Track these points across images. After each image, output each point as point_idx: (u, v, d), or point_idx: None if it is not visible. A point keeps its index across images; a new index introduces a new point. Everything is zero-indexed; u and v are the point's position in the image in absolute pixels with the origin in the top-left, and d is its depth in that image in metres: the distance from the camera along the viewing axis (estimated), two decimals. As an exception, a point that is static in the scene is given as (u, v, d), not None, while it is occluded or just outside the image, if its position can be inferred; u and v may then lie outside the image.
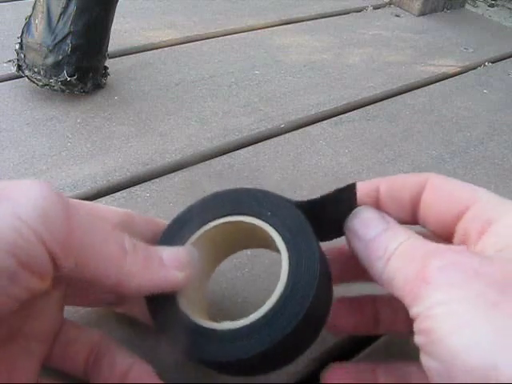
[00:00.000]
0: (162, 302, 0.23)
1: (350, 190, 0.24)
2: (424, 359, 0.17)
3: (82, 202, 0.25)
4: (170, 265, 0.22)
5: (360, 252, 0.22)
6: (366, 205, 0.23)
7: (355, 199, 0.24)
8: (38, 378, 0.21)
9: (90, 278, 0.20)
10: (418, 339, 0.18)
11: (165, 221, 0.26)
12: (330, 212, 0.24)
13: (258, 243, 0.26)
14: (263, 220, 0.24)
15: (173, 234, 0.24)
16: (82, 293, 0.25)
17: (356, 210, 0.23)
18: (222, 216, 0.24)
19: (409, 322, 0.23)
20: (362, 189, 0.24)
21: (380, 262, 0.20)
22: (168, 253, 0.22)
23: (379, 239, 0.21)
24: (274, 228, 0.23)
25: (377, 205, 0.24)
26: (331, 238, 0.25)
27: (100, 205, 0.26)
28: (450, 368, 0.16)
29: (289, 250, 0.23)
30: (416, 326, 0.18)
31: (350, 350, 0.28)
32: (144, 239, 0.23)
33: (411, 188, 0.23)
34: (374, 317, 0.25)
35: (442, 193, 0.22)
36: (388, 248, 0.20)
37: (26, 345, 0.21)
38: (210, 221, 0.24)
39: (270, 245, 0.24)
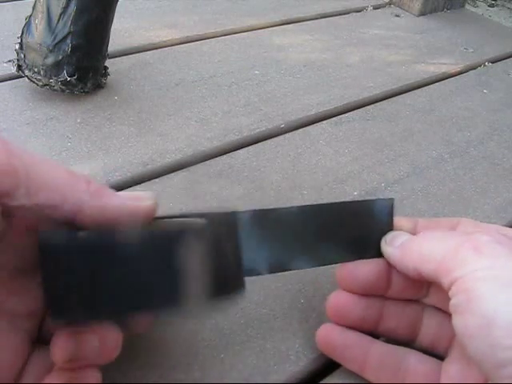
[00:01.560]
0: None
1: (389, 203, 0.25)
2: (460, 319, 0.19)
3: None
4: (125, 196, 0.21)
5: (390, 253, 0.24)
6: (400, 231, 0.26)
7: (392, 216, 0.25)
8: (29, 355, 0.21)
9: (46, 206, 0.19)
10: (456, 299, 0.19)
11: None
12: (363, 222, 0.25)
13: None
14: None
15: None
16: None
17: (393, 232, 0.25)
18: None
19: (411, 329, 0.25)
20: (402, 221, 0.26)
21: (416, 245, 0.23)
22: (124, 193, 0.22)
23: (412, 237, 0.24)
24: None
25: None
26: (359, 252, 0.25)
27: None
28: (491, 322, 0.18)
29: None
30: (457, 288, 0.19)
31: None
32: None
33: (445, 227, 0.25)
34: (378, 317, 0.25)
35: None
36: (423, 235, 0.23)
37: (10, 322, 0.21)
38: None
39: None
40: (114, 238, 0.19)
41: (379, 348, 0.25)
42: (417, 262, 0.22)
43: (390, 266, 0.25)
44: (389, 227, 0.25)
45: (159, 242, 0.19)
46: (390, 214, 0.25)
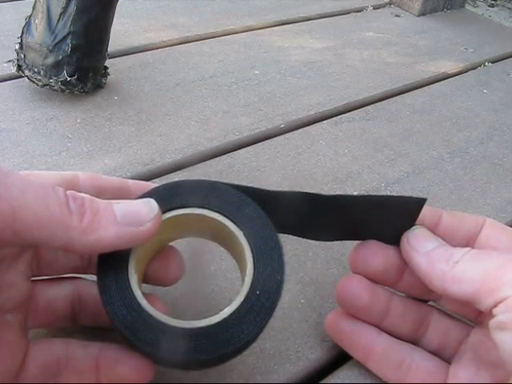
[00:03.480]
0: (111, 266, 0.22)
1: (419, 203, 0.24)
2: (507, 336, 0.19)
3: (15, 171, 0.23)
4: (124, 220, 0.20)
5: (416, 262, 0.23)
6: (422, 226, 0.25)
7: (418, 214, 0.25)
8: (26, 348, 0.22)
9: (34, 243, 0.19)
10: (506, 317, 0.20)
11: (113, 177, 0.24)
12: (391, 217, 0.25)
13: (221, 241, 0.26)
14: (229, 219, 0.24)
15: None
16: (46, 262, 0.24)
17: (414, 228, 0.25)
18: (187, 206, 0.24)
19: (415, 329, 0.26)
20: (426, 212, 0.25)
21: (446, 265, 0.22)
22: (122, 207, 0.21)
23: (440, 249, 0.23)
24: (237, 225, 0.23)
25: (435, 230, 0.25)
26: (382, 241, 0.25)
27: (41, 172, 0.24)
28: None
29: (253, 252, 0.23)
30: (506, 306, 0.20)
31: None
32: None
33: (469, 225, 0.25)
34: (385, 311, 0.25)
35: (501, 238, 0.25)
36: (454, 254, 0.22)
37: (1, 318, 0.21)
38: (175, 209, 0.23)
39: (231, 242, 0.24)
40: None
41: (385, 340, 0.25)
42: (447, 282, 0.22)
43: (403, 261, 0.25)
44: (412, 222, 0.25)
45: None
46: (418, 213, 0.25)
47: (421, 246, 0.24)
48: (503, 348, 0.19)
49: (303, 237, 0.26)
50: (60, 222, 0.19)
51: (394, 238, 0.25)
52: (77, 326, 0.25)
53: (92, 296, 0.24)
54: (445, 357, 0.25)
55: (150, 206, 0.22)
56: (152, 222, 0.21)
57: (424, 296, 0.26)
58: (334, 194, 0.25)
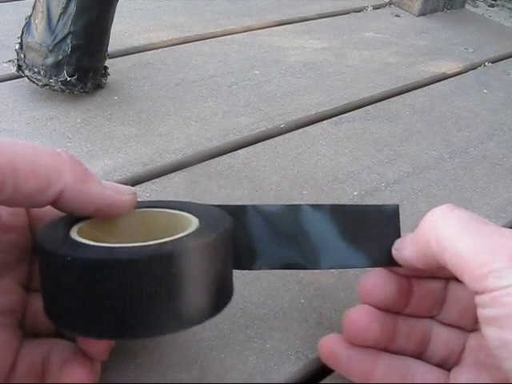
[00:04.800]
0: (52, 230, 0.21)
1: (394, 210, 0.24)
2: (497, 332, 0.19)
3: None
4: (107, 187, 0.22)
5: (407, 254, 0.23)
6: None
7: (398, 221, 0.25)
8: (19, 350, 0.22)
9: (30, 193, 0.19)
10: (494, 312, 0.19)
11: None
12: (371, 227, 0.25)
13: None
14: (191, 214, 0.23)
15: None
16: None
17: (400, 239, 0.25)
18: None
19: (420, 344, 0.25)
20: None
21: (430, 226, 0.22)
22: (102, 180, 0.22)
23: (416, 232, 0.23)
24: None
25: None
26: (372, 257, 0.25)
27: None
28: None
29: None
30: (492, 299, 0.19)
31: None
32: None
33: None
34: (392, 335, 0.25)
35: None
36: (436, 212, 0.23)
37: None
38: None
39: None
40: (113, 253, 0.19)
41: (385, 361, 0.24)
42: (435, 248, 0.21)
43: (410, 284, 0.25)
44: (396, 233, 0.25)
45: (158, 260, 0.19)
46: (397, 220, 0.25)
47: (404, 240, 0.24)
48: (493, 344, 0.19)
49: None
50: (55, 166, 0.19)
51: (382, 252, 0.25)
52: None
53: None
54: (448, 368, 0.25)
55: (127, 187, 0.23)
56: (131, 195, 0.22)
57: (427, 314, 0.25)
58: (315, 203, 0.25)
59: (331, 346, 0.25)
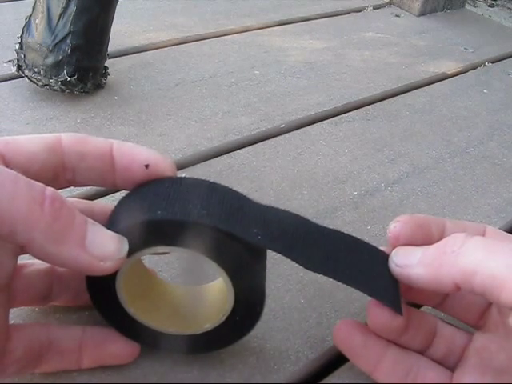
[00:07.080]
0: (100, 282, 0.21)
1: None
2: None
3: None
4: (90, 247, 0.19)
5: (415, 275, 0.22)
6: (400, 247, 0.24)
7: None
8: (7, 329, 0.21)
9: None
10: None
11: (99, 138, 0.23)
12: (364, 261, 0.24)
13: None
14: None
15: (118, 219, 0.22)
16: None
17: (394, 250, 0.24)
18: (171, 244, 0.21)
19: (425, 340, 0.25)
20: (431, 221, 0.25)
21: (451, 256, 0.21)
22: (95, 232, 0.20)
23: (428, 251, 0.22)
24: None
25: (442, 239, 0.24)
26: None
27: (21, 137, 0.22)
28: None
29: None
30: None
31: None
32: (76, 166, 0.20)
33: (471, 233, 0.24)
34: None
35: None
36: (447, 245, 0.21)
37: None
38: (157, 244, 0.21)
39: None
40: None
41: (394, 352, 0.24)
42: (458, 277, 0.21)
43: (410, 313, 0.24)
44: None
45: None
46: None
47: (409, 259, 0.23)
48: None
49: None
50: (24, 219, 0.17)
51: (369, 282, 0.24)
52: (49, 305, 0.26)
53: (72, 275, 0.24)
54: (449, 365, 0.25)
55: (121, 246, 0.20)
56: (113, 262, 0.20)
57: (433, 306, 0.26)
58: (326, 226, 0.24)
59: (348, 330, 0.25)
